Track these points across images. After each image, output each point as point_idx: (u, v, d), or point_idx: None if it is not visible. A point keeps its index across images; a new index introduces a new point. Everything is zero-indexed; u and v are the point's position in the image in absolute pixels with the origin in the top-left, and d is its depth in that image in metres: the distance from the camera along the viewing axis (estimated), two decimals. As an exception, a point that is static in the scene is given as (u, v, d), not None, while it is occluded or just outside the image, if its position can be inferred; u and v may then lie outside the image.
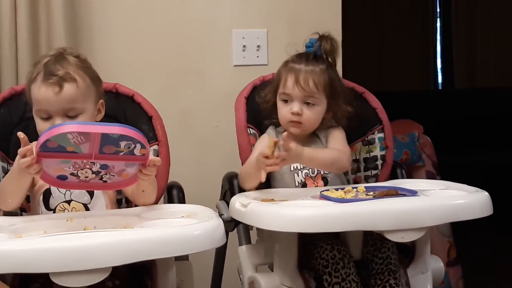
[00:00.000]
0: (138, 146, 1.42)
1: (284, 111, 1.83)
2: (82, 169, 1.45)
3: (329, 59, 1.86)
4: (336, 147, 1.84)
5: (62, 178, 1.47)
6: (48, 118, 1.57)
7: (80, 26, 2.23)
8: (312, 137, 1.88)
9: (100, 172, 1.47)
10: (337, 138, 1.88)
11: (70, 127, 1.37)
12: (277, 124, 1.90)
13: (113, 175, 1.48)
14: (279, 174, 1.83)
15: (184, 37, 2.38)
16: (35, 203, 1.63)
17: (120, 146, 1.41)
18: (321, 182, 1.82)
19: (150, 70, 2.35)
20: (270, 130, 1.89)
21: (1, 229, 1.42)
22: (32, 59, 2.06)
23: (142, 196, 1.62)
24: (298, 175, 1.81)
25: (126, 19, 2.33)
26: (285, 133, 1.66)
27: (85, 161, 1.43)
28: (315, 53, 1.85)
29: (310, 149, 1.75)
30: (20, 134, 1.42)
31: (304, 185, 1.81)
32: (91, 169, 1.45)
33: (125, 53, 2.32)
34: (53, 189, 1.60)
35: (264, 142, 1.83)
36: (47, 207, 1.60)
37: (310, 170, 1.81)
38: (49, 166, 1.43)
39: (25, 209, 1.70)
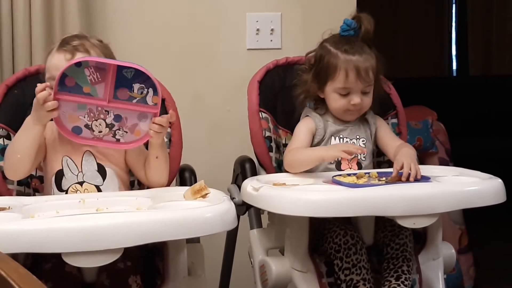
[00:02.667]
0: (151, 92, 1.50)
1: (343, 103, 1.78)
2: (97, 120, 1.51)
3: (371, 38, 1.82)
4: (397, 142, 1.82)
5: (77, 131, 1.52)
6: None
7: (94, 7, 2.23)
8: (359, 120, 1.85)
9: (114, 125, 1.53)
10: (390, 132, 1.88)
11: (88, 57, 1.48)
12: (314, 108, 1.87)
13: (126, 132, 1.54)
14: None
15: (198, 20, 2.37)
16: (47, 184, 1.63)
17: (133, 90, 1.49)
18: (355, 166, 1.80)
19: (163, 52, 2.35)
20: (312, 112, 1.85)
21: (14, 209, 1.43)
22: (46, 40, 2.06)
23: (155, 166, 1.61)
24: None
25: (139, 2, 2.32)
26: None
27: (99, 108, 1.50)
28: (359, 36, 1.80)
29: (413, 153, 1.73)
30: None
31: (338, 163, 1.80)
32: (105, 120, 1.52)
33: (138, 35, 2.32)
34: (66, 170, 1.60)
35: (310, 124, 1.81)
36: (59, 188, 1.60)
37: None
38: (65, 111, 1.50)
39: (38, 189, 1.71)
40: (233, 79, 2.37)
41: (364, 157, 1.80)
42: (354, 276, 1.59)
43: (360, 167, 1.80)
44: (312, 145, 1.82)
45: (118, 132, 1.54)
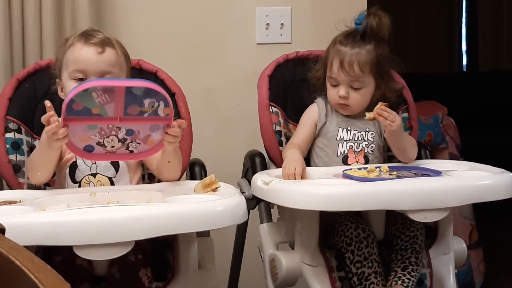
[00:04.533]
0: (162, 104, 1.43)
1: (332, 93, 1.81)
2: (108, 137, 1.46)
3: (379, 36, 1.81)
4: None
5: (89, 149, 1.48)
6: (82, 79, 1.57)
7: (104, 2, 2.23)
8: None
9: (126, 139, 1.47)
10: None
11: (94, 82, 1.39)
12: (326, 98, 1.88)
13: (139, 143, 1.49)
14: (323, 142, 1.82)
15: (208, 15, 2.37)
16: (60, 176, 1.64)
17: (144, 105, 1.42)
18: (362, 159, 1.80)
19: (173, 47, 2.35)
20: (320, 100, 1.87)
21: (25, 202, 1.44)
22: (56, 34, 2.06)
23: (167, 168, 1.61)
24: (342, 146, 1.80)
25: (149, -3, 2.33)
26: (382, 102, 1.70)
27: (110, 126, 1.44)
28: (364, 31, 1.81)
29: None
30: (47, 103, 1.44)
31: (345, 157, 1.80)
32: (117, 136, 1.46)
33: (148, 30, 2.32)
34: (79, 161, 1.61)
35: (313, 111, 1.84)
36: (73, 180, 1.61)
37: (355, 144, 1.80)
38: (75, 133, 1.44)
39: (48, 183, 1.72)
40: (243, 73, 2.37)
41: (371, 150, 1.80)
42: (366, 269, 1.59)
43: (367, 160, 1.80)
44: (317, 132, 1.83)
45: (131, 145, 1.49)
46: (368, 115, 1.71)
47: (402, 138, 1.77)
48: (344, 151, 1.80)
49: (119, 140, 1.47)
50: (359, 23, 1.83)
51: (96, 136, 1.45)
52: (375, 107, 1.70)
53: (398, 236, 1.68)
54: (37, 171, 1.57)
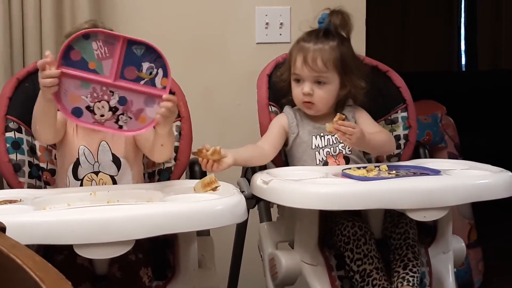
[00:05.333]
0: (160, 73, 1.41)
1: (297, 92, 1.81)
2: (100, 101, 1.41)
3: (342, 34, 1.83)
4: (375, 129, 1.82)
5: (77, 113, 1.43)
6: None
7: (104, 2, 2.23)
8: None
9: (118, 109, 1.43)
10: (369, 121, 1.86)
11: (97, 29, 1.39)
12: (293, 103, 1.88)
13: (130, 117, 1.44)
14: (299, 152, 1.82)
15: (207, 14, 2.37)
16: (62, 174, 1.64)
17: (142, 70, 1.40)
18: (342, 161, 1.81)
19: (173, 47, 2.34)
20: (287, 109, 1.88)
21: (26, 201, 1.44)
22: (56, 34, 2.07)
23: (160, 150, 1.58)
24: (319, 153, 1.81)
25: (149, -4, 2.33)
26: (339, 115, 1.67)
27: (104, 88, 1.40)
28: (326, 29, 1.82)
29: (366, 131, 1.72)
30: (47, 51, 1.41)
31: (325, 163, 1.80)
32: (108, 103, 1.42)
33: (148, 29, 2.32)
34: (82, 159, 1.61)
35: (282, 120, 1.82)
36: (75, 177, 1.61)
37: (332, 148, 1.80)
38: (67, 89, 1.40)
39: (49, 182, 1.72)
40: (242, 73, 2.37)
41: (349, 150, 1.80)
42: (367, 266, 1.59)
43: (347, 161, 1.80)
44: (289, 144, 1.82)
45: (121, 117, 1.44)
46: (328, 127, 1.67)
47: (367, 143, 1.72)
48: (322, 158, 1.80)
49: (110, 109, 1.43)
50: (321, 22, 1.85)
51: (87, 97, 1.41)
52: (334, 119, 1.67)
53: (390, 236, 1.68)
54: (35, 124, 1.56)
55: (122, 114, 1.44)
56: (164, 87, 1.43)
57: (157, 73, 1.41)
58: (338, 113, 1.70)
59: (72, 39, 1.37)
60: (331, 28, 1.82)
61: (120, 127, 1.45)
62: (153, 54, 1.41)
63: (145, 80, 1.42)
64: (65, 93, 1.41)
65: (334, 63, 1.77)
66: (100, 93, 1.41)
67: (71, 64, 1.38)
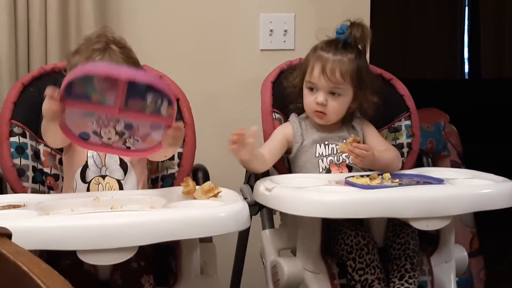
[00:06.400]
0: (165, 103, 1.39)
1: (309, 100, 1.81)
2: (106, 127, 1.41)
3: (359, 47, 1.84)
4: (382, 146, 1.82)
5: (84, 137, 1.43)
6: None
7: (109, 7, 2.24)
8: (346, 127, 1.86)
9: (124, 133, 1.43)
10: (377, 136, 1.87)
11: (98, 66, 1.38)
12: (301, 110, 1.89)
13: (137, 140, 1.44)
14: (302, 160, 1.83)
15: (212, 21, 2.38)
16: (69, 177, 1.65)
17: (147, 101, 1.38)
18: (345, 170, 1.81)
19: (177, 52, 2.35)
20: (293, 118, 1.88)
21: (29, 206, 1.44)
22: (61, 39, 2.07)
23: (161, 157, 1.62)
24: (322, 161, 1.81)
25: (154, 3, 2.33)
26: (354, 137, 1.68)
27: (109, 116, 1.39)
28: (345, 40, 1.82)
29: (377, 150, 1.73)
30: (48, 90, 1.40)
31: (328, 171, 1.80)
32: (115, 128, 1.42)
33: (153, 35, 2.33)
34: (90, 161, 1.62)
35: (287, 129, 1.82)
36: (83, 180, 1.62)
37: (335, 157, 1.80)
38: (72, 118, 1.39)
39: (52, 187, 1.73)
40: (246, 79, 2.37)
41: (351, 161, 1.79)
42: (369, 276, 1.59)
43: (350, 169, 1.80)
44: (293, 152, 1.82)
45: (128, 140, 1.44)
46: (342, 147, 1.71)
47: (377, 163, 1.73)
48: (325, 166, 1.80)
49: (117, 133, 1.43)
50: (341, 33, 1.84)
51: (93, 124, 1.41)
52: (348, 140, 1.69)
53: (390, 246, 1.68)
54: (44, 133, 1.59)
55: (129, 137, 1.44)
56: (170, 116, 1.42)
57: (162, 103, 1.39)
58: (352, 135, 1.71)
59: (72, 78, 1.35)
60: (351, 40, 1.82)
61: (128, 148, 1.46)
62: (155, 89, 1.38)
63: (151, 110, 1.40)
64: (70, 121, 1.40)
65: (351, 76, 1.78)
66: (105, 121, 1.41)
67: (73, 96, 1.37)
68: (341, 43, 1.81)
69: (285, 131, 1.83)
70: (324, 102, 1.78)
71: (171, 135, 1.45)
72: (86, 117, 1.40)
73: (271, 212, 1.81)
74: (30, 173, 1.68)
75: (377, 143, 1.83)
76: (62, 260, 1.44)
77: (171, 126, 1.44)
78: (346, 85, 1.78)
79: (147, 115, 1.41)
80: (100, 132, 1.43)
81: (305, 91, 1.83)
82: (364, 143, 1.81)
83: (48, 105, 1.39)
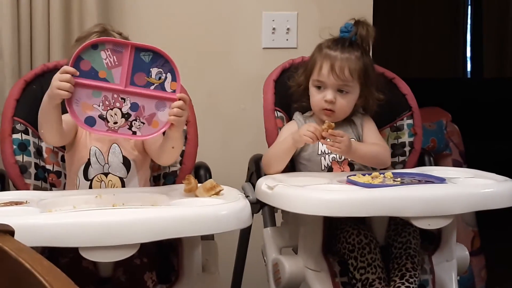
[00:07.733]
0: (169, 77, 1.46)
1: (318, 98, 1.81)
2: (112, 109, 1.46)
3: (364, 45, 1.84)
4: (374, 140, 1.83)
5: (91, 122, 1.47)
6: None
7: (112, 4, 2.24)
8: (347, 122, 1.87)
9: (130, 115, 1.47)
10: (373, 131, 1.87)
11: (105, 38, 1.45)
12: (305, 109, 1.89)
13: (143, 123, 1.48)
14: (305, 158, 1.83)
15: (214, 18, 2.38)
16: (72, 174, 1.65)
17: (151, 75, 1.45)
18: (347, 168, 1.81)
19: (179, 51, 2.32)
20: (298, 116, 1.88)
21: (32, 203, 1.44)
22: (64, 37, 2.08)
23: (169, 153, 1.60)
24: (325, 159, 1.81)
25: (156, 1, 2.33)
26: (328, 123, 1.67)
27: (115, 95, 1.45)
28: (351, 39, 1.83)
29: (354, 141, 1.74)
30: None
31: (330, 169, 1.81)
32: (121, 110, 1.46)
33: (155, 33, 2.32)
34: (93, 159, 1.63)
35: (293, 128, 1.83)
36: (85, 177, 1.63)
37: (337, 155, 1.81)
38: (79, 99, 1.44)
39: (55, 184, 1.73)
40: (248, 78, 2.37)
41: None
42: (370, 275, 1.60)
43: (352, 167, 1.81)
44: (296, 150, 1.81)
45: (134, 123, 1.48)
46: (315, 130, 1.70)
47: (359, 152, 1.74)
48: (327, 164, 1.80)
49: (123, 115, 1.47)
50: (346, 31, 1.85)
51: (99, 106, 1.45)
52: (323, 126, 1.67)
53: (391, 244, 1.69)
54: (40, 128, 1.58)
55: (135, 120, 1.48)
56: (174, 91, 1.48)
57: (165, 77, 1.46)
58: (327, 122, 1.69)
59: (81, 49, 1.42)
60: (356, 39, 1.83)
61: (134, 133, 1.49)
62: (161, 59, 1.46)
63: (155, 85, 1.46)
64: (77, 102, 1.45)
65: (359, 73, 1.79)
66: (112, 101, 1.46)
67: (81, 74, 1.43)
68: (347, 41, 1.82)
69: (292, 129, 1.84)
70: (334, 100, 1.78)
71: (177, 106, 1.47)
72: (93, 97, 1.45)
73: (272, 210, 1.82)
74: (32, 170, 1.68)
75: (369, 137, 1.84)
76: (60, 258, 1.45)
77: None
78: (354, 82, 1.79)
79: (151, 91, 1.46)
80: (106, 116, 1.47)
81: (312, 90, 1.83)
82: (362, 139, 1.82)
83: (65, 79, 1.41)
